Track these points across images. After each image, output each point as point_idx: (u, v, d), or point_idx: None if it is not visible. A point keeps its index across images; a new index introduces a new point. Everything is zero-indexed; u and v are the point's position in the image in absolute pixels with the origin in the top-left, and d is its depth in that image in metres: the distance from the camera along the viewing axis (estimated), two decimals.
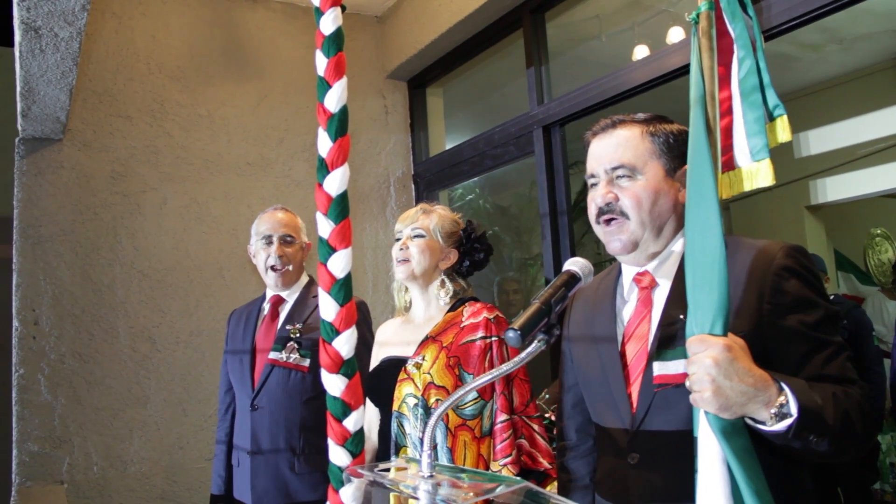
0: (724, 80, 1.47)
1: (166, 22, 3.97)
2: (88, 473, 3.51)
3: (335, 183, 1.42)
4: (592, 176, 1.56)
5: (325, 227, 1.41)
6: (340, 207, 1.43)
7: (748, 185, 1.44)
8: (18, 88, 3.02)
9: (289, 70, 4.29)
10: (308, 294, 2.74)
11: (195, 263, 3.88)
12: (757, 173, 1.42)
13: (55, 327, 3.54)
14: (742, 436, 1.20)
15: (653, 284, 1.52)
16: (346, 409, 1.38)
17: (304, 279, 2.81)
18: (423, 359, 2.13)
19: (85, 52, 3.62)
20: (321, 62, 1.51)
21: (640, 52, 4.54)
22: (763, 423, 1.19)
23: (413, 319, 2.33)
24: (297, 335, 2.63)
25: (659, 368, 1.41)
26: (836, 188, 6.36)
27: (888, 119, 5.75)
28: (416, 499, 1.14)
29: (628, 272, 1.58)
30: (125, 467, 3.59)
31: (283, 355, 2.62)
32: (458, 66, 4.42)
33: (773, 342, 1.34)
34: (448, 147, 4.54)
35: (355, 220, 4.34)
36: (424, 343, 2.17)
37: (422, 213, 2.31)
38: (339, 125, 1.44)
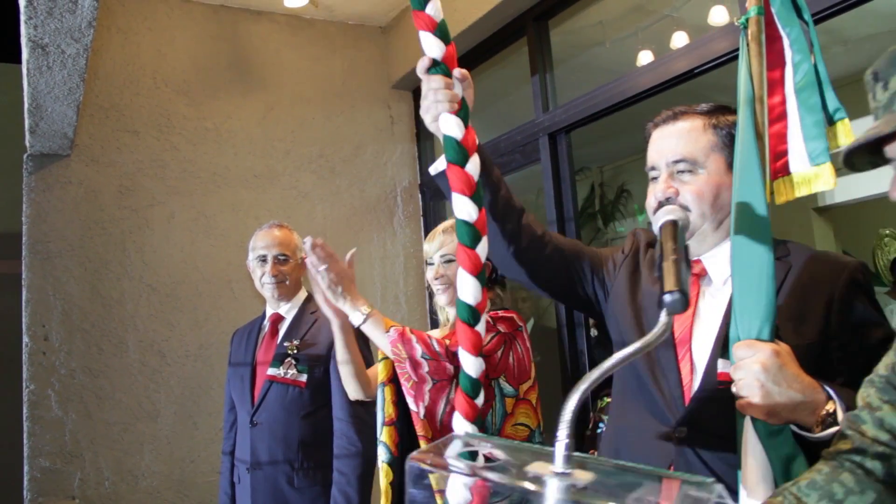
0: (777, 85, 1.45)
1: (172, 36, 3.99)
2: (100, 488, 3.51)
3: (474, 167, 1.36)
4: (653, 168, 1.53)
5: (471, 211, 1.31)
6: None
7: (806, 190, 1.41)
8: (26, 105, 3.04)
9: (294, 82, 4.30)
10: (306, 310, 2.75)
11: (204, 276, 3.89)
12: (817, 177, 1.40)
13: (65, 342, 3.54)
14: (787, 444, 1.20)
15: (703, 273, 1.49)
16: (478, 388, 1.33)
17: (303, 295, 2.81)
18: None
19: (91, 68, 3.64)
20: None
21: (645, 57, 4.54)
22: (809, 430, 1.18)
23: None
24: (295, 351, 2.65)
25: (722, 366, 1.38)
26: (844, 189, 6.33)
27: None
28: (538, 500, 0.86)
29: None
30: (136, 482, 3.59)
31: (280, 371, 2.64)
32: None
33: (836, 353, 1.33)
34: None
35: (363, 231, 4.35)
36: None
37: (445, 234, 2.29)
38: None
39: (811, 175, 1.41)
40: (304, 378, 2.61)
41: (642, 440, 1.48)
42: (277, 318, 2.79)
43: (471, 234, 1.30)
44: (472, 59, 4.22)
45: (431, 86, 1.35)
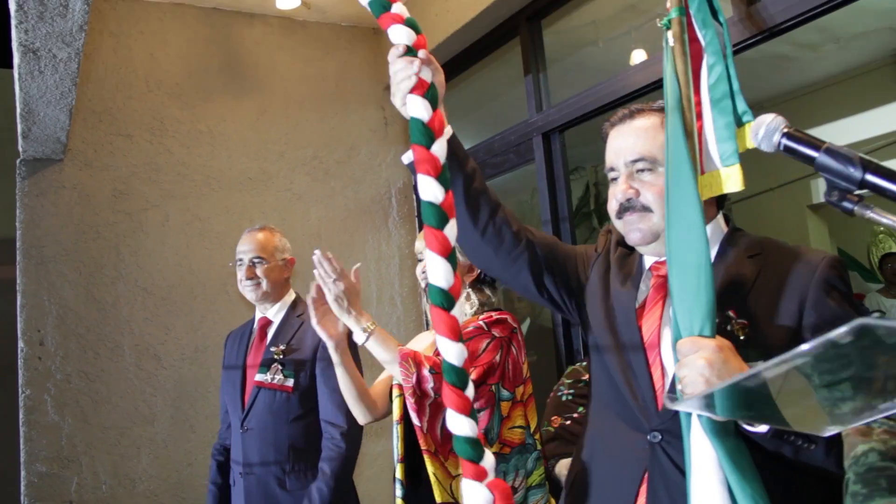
0: (696, 86, 1.47)
1: (164, 40, 3.98)
2: (97, 493, 3.50)
3: (441, 149, 1.33)
4: (612, 169, 1.50)
5: (437, 192, 1.29)
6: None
7: (717, 191, 1.42)
8: (18, 110, 3.03)
9: (288, 84, 4.30)
10: (293, 314, 2.76)
11: (199, 279, 3.88)
12: (728, 178, 1.40)
13: (60, 347, 3.53)
14: (734, 436, 1.19)
15: None
16: (464, 378, 1.29)
17: (290, 297, 2.82)
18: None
19: (84, 72, 3.63)
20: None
21: (638, 56, 4.55)
22: (751, 425, 1.18)
23: None
24: (281, 356, 2.66)
25: None
26: None
27: (887, 116, 5.75)
28: None
29: (647, 259, 1.55)
30: (134, 486, 3.58)
31: (267, 377, 2.66)
32: (455, 75, 4.42)
33: None
34: None
35: (357, 232, 4.35)
36: None
37: None
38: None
39: (722, 176, 1.41)
40: (290, 383, 2.63)
41: (617, 446, 1.47)
42: (266, 323, 2.81)
43: (437, 215, 1.27)
44: (466, 59, 4.22)
45: (395, 67, 1.34)
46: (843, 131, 6.10)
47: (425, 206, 1.28)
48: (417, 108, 1.32)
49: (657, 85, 3.02)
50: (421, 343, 2.42)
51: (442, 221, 1.27)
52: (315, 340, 2.60)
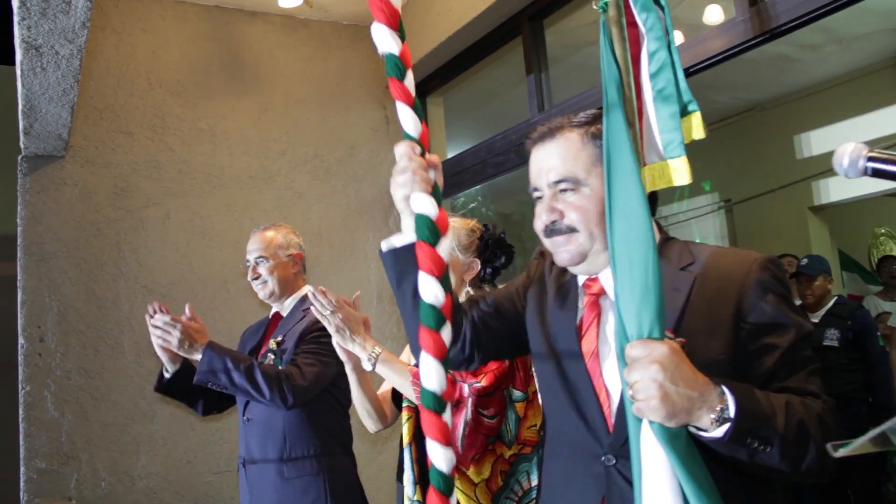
0: (636, 73, 1.36)
1: (166, 37, 3.98)
2: (96, 489, 3.50)
3: (445, 250, 1.31)
4: (536, 189, 1.46)
5: (438, 293, 1.29)
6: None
7: (662, 184, 1.33)
8: (20, 106, 3.03)
9: (289, 82, 4.30)
10: (301, 307, 2.77)
11: (199, 277, 3.88)
12: (673, 171, 1.32)
13: (61, 344, 3.54)
14: (687, 441, 1.13)
15: (602, 292, 1.44)
16: (443, 405, 1.25)
17: (303, 291, 2.83)
18: None
19: (85, 69, 3.63)
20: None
21: None
22: (706, 430, 1.12)
23: None
24: (276, 347, 2.69)
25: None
26: (839, 188, 6.35)
27: (889, 118, 5.74)
28: None
29: (580, 278, 1.50)
30: (133, 483, 3.58)
31: None
32: (457, 74, 4.42)
33: (744, 361, 1.28)
34: (449, 156, 4.54)
35: (358, 231, 4.35)
36: None
37: None
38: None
39: (666, 168, 1.33)
40: None
41: (574, 473, 1.43)
42: (277, 317, 2.85)
43: (436, 317, 1.26)
44: (467, 58, 4.22)
45: (410, 165, 1.32)
46: (846, 133, 6.10)
47: (424, 307, 1.26)
48: (426, 206, 1.30)
49: None
50: None
51: (440, 325, 1.26)
52: (302, 328, 2.64)
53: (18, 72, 2.76)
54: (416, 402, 2.02)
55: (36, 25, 2.40)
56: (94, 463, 3.52)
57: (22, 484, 3.38)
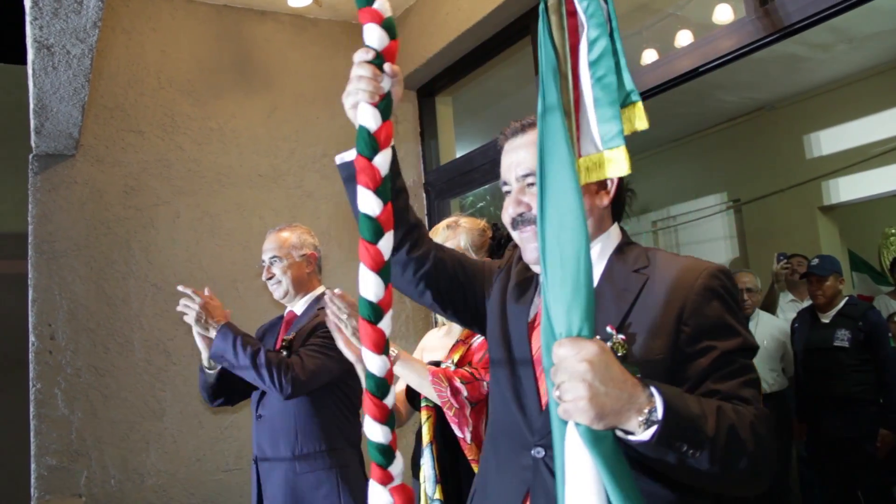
0: (573, 62, 1.31)
1: (176, 36, 4.00)
2: (106, 487, 3.52)
3: (383, 162, 1.34)
4: (505, 183, 1.49)
5: (374, 205, 1.30)
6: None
7: (597, 176, 1.27)
8: (31, 106, 3.05)
9: (298, 81, 4.31)
10: (315, 306, 2.79)
11: (208, 276, 3.89)
12: (610, 162, 1.26)
13: (71, 341, 3.56)
14: (612, 444, 1.09)
15: None
16: (385, 388, 1.27)
17: (318, 291, 2.84)
18: (453, 361, 2.19)
19: (96, 69, 3.65)
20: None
21: (649, 56, 4.54)
22: (633, 433, 1.08)
23: (453, 329, 2.40)
24: (287, 345, 2.71)
25: None
26: (849, 188, 6.32)
27: None
28: None
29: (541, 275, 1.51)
30: (142, 480, 3.60)
31: None
32: (466, 74, 4.42)
33: (681, 364, 1.27)
34: (458, 155, 4.54)
35: None
36: (455, 346, 2.26)
37: (448, 229, 2.32)
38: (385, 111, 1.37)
39: (601, 160, 1.27)
40: None
41: (505, 462, 1.43)
42: (292, 316, 2.87)
43: (373, 228, 1.26)
44: (476, 58, 4.22)
45: (358, 73, 1.33)
46: (857, 132, 6.07)
47: (361, 219, 1.27)
48: (367, 118, 1.32)
49: (669, 84, 3.02)
50: (432, 341, 2.48)
51: (377, 236, 1.27)
52: (313, 325, 2.67)
53: (30, 71, 2.78)
54: (437, 401, 2.05)
55: (48, 25, 2.42)
56: (104, 460, 3.54)
57: (33, 480, 3.41)
